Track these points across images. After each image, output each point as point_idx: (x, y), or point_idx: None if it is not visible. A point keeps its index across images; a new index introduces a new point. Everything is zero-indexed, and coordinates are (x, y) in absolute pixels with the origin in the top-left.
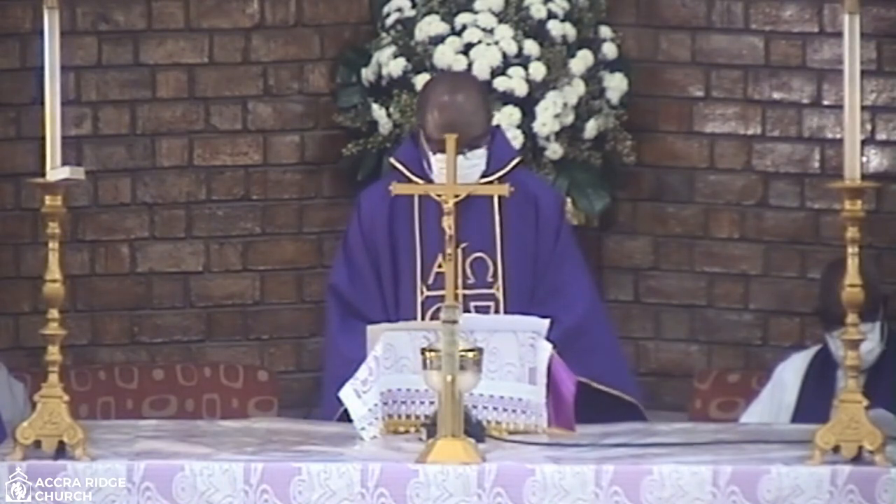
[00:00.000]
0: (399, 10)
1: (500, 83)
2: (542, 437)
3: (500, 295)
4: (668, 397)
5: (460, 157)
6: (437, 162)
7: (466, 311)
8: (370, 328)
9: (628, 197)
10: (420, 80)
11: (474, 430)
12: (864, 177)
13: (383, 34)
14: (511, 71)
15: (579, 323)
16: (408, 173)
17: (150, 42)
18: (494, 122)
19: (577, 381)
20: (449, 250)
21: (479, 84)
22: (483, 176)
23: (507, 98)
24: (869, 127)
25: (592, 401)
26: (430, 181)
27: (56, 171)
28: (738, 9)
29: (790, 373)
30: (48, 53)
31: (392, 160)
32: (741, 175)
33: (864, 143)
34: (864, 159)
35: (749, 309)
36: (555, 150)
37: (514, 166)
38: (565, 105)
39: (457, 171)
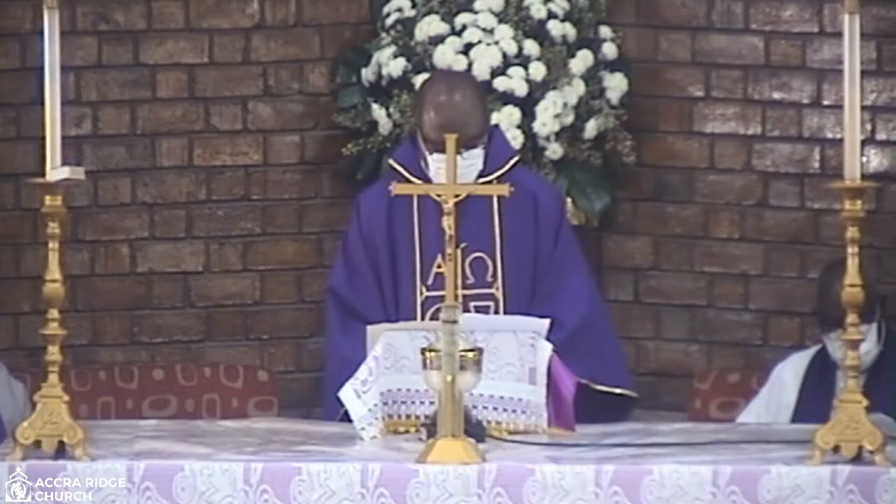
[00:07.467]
0: (399, 10)
1: (500, 83)
2: (542, 437)
3: (499, 295)
4: (668, 397)
5: (457, 157)
6: (435, 162)
7: (466, 311)
8: (370, 328)
9: (628, 197)
10: (420, 81)
11: (474, 430)
12: (864, 177)
13: (383, 34)
14: (511, 71)
15: (581, 323)
16: (406, 174)
17: (150, 42)
18: (494, 121)
19: (577, 382)
20: (449, 250)
21: (477, 83)
22: (481, 175)
23: (507, 98)
24: (869, 127)
25: (592, 399)
26: (428, 182)
27: (56, 171)
28: (738, 9)
29: (789, 373)
30: (48, 53)
31: (391, 161)
32: (741, 175)
33: (864, 143)
34: (864, 159)
35: (749, 309)
36: (555, 150)
37: (512, 165)
38: (565, 105)
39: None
